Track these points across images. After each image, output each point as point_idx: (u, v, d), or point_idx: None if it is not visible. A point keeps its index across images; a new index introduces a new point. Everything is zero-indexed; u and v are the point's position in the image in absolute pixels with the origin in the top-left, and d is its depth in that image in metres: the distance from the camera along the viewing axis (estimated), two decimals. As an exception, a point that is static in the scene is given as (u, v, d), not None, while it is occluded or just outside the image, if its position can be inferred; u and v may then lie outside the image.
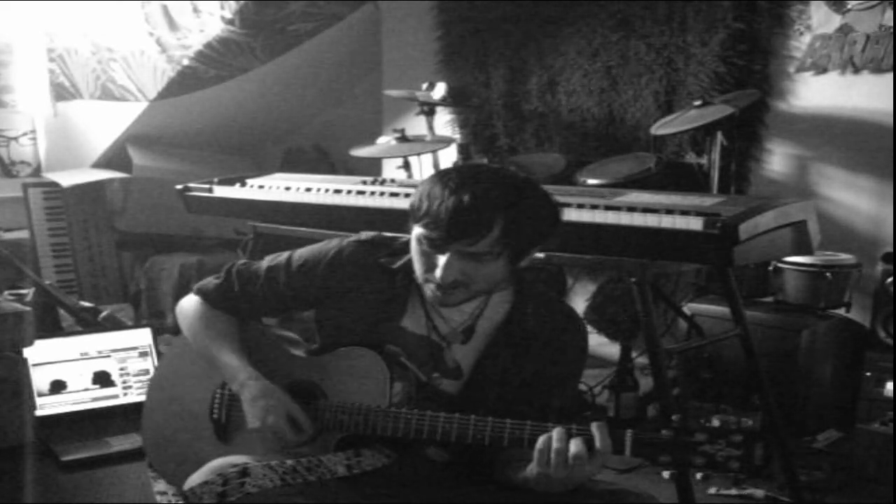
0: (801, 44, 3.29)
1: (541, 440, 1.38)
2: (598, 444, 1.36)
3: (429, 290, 1.55)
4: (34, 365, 2.91)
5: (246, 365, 1.67)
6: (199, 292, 1.80)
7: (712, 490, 2.60)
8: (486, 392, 1.60)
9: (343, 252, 1.68)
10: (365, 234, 1.72)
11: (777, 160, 3.40)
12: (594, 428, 1.37)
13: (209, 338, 1.73)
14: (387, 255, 1.67)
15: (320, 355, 1.68)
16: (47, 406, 2.94)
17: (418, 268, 1.55)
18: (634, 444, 1.37)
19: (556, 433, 1.37)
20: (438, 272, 1.49)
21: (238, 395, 1.69)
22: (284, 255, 1.74)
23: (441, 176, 1.52)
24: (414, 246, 1.55)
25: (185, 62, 4.45)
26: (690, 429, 1.35)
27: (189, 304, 1.81)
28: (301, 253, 1.73)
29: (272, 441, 1.59)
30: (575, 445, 1.35)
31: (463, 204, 1.45)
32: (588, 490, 1.49)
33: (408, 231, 1.65)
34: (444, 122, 4.30)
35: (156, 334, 3.23)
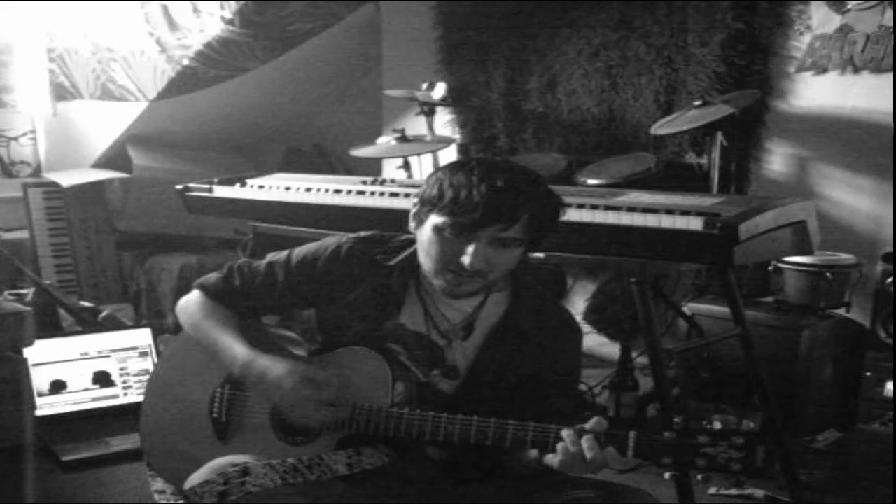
0: (801, 44, 3.29)
1: (559, 446, 1.40)
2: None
3: (443, 280, 1.56)
4: (34, 365, 2.91)
5: (247, 347, 1.66)
6: (201, 287, 1.80)
7: (712, 490, 2.60)
8: (483, 392, 1.61)
9: (340, 250, 1.68)
10: (364, 233, 1.73)
11: (777, 160, 3.40)
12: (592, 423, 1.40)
13: (209, 325, 1.73)
14: (383, 252, 1.67)
15: (321, 355, 1.68)
16: (47, 406, 2.94)
17: (432, 259, 1.55)
18: (637, 446, 1.38)
19: (567, 436, 1.40)
20: (467, 259, 1.50)
21: (239, 391, 1.69)
22: (284, 253, 1.75)
23: (459, 166, 1.54)
24: (430, 236, 1.54)
25: (185, 62, 4.45)
26: (693, 431, 1.36)
27: (189, 298, 1.81)
28: (299, 251, 1.73)
29: (299, 409, 1.57)
30: (591, 452, 1.38)
31: (497, 189, 1.48)
32: (588, 487, 1.49)
33: (408, 230, 1.66)
34: (444, 122, 4.30)
35: (156, 334, 3.23)
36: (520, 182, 1.51)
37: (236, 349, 1.67)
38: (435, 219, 1.52)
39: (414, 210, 1.60)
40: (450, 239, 1.52)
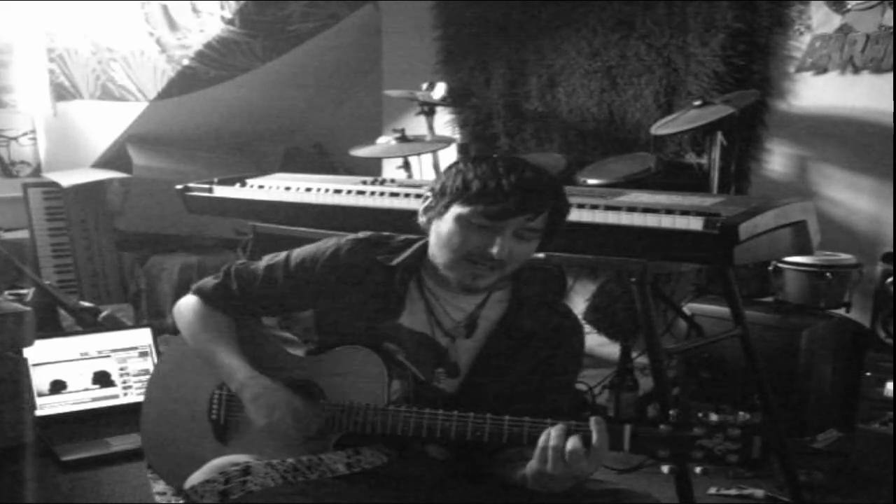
0: (801, 44, 3.29)
1: (541, 437, 1.38)
2: (595, 439, 1.36)
3: (460, 273, 1.56)
4: (34, 365, 2.91)
5: (244, 364, 1.67)
6: (198, 292, 1.80)
7: (712, 490, 2.60)
8: (483, 390, 1.61)
9: (340, 250, 1.68)
10: (362, 233, 1.73)
11: (777, 160, 3.40)
12: (592, 424, 1.37)
13: (207, 338, 1.73)
14: (384, 252, 1.67)
15: (318, 354, 1.68)
16: (47, 406, 2.95)
17: (453, 250, 1.55)
18: (633, 439, 1.37)
19: (554, 430, 1.38)
20: (496, 249, 1.51)
21: (238, 396, 1.69)
22: (282, 254, 1.75)
23: (480, 160, 1.56)
24: (452, 227, 1.54)
25: (185, 62, 4.45)
26: (688, 423, 1.36)
27: (187, 304, 1.81)
28: (299, 252, 1.73)
29: (279, 437, 1.59)
30: (572, 442, 1.35)
31: (526, 179, 1.51)
32: (588, 490, 1.49)
33: (408, 231, 1.66)
34: (444, 122, 4.30)
35: (156, 334, 3.23)
36: (543, 176, 1.55)
37: (234, 366, 1.67)
38: (459, 209, 1.53)
39: (427, 204, 1.60)
40: (476, 229, 1.52)
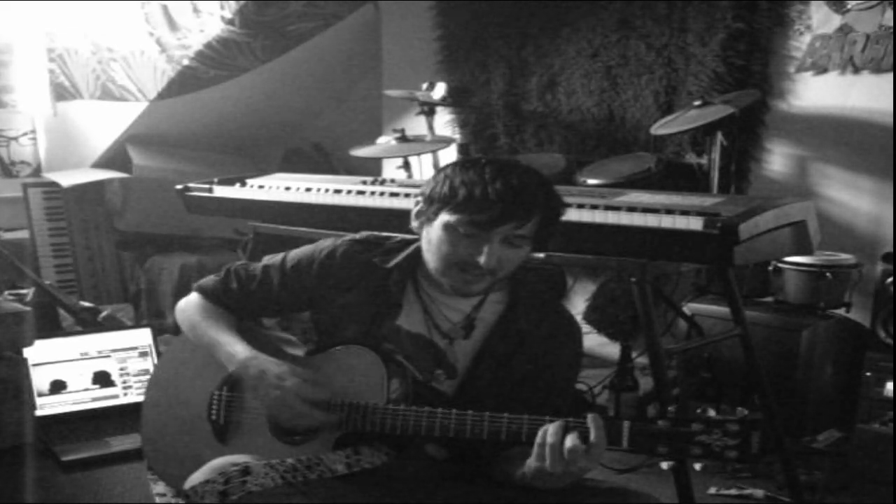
0: (801, 44, 3.29)
1: (538, 434, 1.38)
2: (592, 436, 1.35)
3: (452, 279, 1.56)
4: (34, 365, 2.92)
5: (245, 345, 1.67)
6: (199, 289, 1.81)
7: (712, 490, 2.60)
8: (482, 392, 1.61)
9: (336, 252, 1.68)
10: (359, 234, 1.73)
11: (777, 160, 3.40)
12: (589, 421, 1.37)
13: (207, 325, 1.73)
14: (380, 254, 1.67)
15: (317, 355, 1.68)
16: (47, 406, 2.95)
17: (442, 257, 1.54)
18: (631, 436, 1.37)
19: (552, 427, 1.38)
20: (483, 258, 1.50)
21: (237, 393, 1.69)
22: (280, 255, 1.75)
23: (469, 164, 1.54)
24: (440, 235, 1.54)
25: (185, 62, 4.45)
26: (687, 419, 1.36)
27: (188, 301, 1.82)
28: (295, 253, 1.73)
29: (291, 410, 1.57)
30: (570, 439, 1.35)
31: (513, 186, 1.49)
32: (588, 490, 1.49)
33: (408, 231, 1.66)
34: (444, 122, 4.30)
35: (156, 334, 3.23)
36: (532, 180, 1.53)
37: (235, 347, 1.67)
38: (447, 217, 1.52)
39: (418, 208, 1.60)
40: (463, 237, 1.51)
